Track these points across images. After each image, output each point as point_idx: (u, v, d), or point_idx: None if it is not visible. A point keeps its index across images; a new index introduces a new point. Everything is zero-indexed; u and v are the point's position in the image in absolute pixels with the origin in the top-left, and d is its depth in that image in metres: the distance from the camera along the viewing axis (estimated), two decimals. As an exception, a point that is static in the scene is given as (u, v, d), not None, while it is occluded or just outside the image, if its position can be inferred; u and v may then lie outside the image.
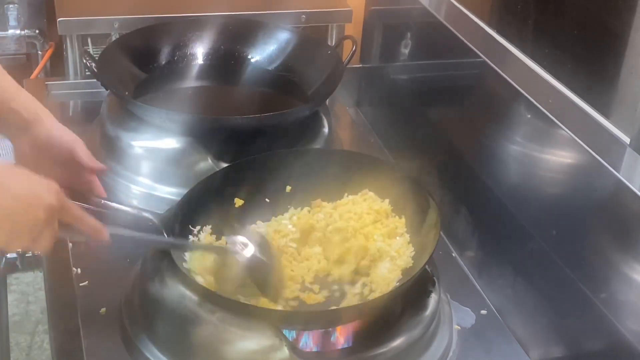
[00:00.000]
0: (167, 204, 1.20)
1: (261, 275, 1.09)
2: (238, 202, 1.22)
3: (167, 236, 1.10)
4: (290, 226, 1.21)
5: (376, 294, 1.09)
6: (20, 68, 2.10)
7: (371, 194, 1.22)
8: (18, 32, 2.09)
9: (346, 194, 1.23)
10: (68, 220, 0.93)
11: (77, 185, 1.11)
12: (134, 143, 1.40)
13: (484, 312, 1.23)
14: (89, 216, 0.96)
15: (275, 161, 1.25)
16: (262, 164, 1.24)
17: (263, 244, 1.12)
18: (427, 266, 1.07)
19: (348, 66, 1.58)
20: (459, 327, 1.17)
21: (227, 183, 1.22)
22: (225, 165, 1.30)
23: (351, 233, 1.17)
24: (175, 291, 1.05)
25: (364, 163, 1.24)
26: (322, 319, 1.07)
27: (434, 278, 1.10)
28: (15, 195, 0.86)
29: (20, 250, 0.95)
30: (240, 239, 1.11)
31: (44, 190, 0.89)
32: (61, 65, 1.85)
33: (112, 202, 1.13)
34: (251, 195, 1.22)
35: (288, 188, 1.24)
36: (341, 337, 1.11)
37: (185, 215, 1.15)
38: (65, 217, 0.92)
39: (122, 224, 1.07)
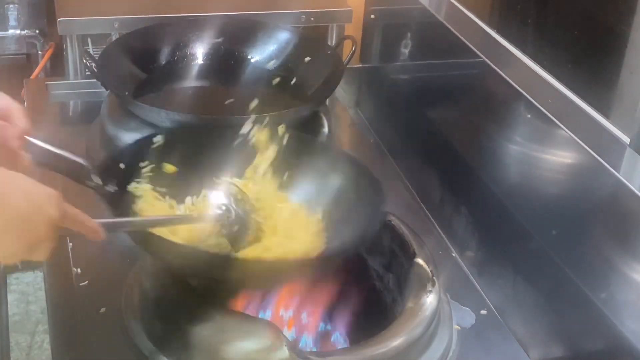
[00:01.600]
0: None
1: (237, 234, 1.11)
2: (170, 168, 1.19)
3: (104, 185, 1.07)
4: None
5: None
6: (20, 68, 2.10)
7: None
8: (18, 32, 2.10)
9: None
10: (68, 227, 0.91)
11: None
12: (134, 143, 1.40)
13: (484, 312, 1.23)
14: (88, 218, 0.94)
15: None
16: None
17: (242, 200, 1.13)
18: None
19: (348, 66, 1.58)
20: (459, 327, 1.17)
21: (167, 147, 1.20)
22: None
23: None
24: (175, 290, 1.05)
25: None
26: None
27: (434, 278, 1.10)
28: (16, 208, 0.84)
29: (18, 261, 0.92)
30: (224, 201, 1.12)
31: (45, 202, 0.86)
32: (61, 65, 1.85)
33: (41, 141, 1.05)
34: (186, 164, 1.20)
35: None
36: (341, 337, 1.12)
37: (121, 167, 1.13)
38: (65, 224, 0.90)
39: (50, 167, 1.02)
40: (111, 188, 1.07)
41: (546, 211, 1.22)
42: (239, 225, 1.11)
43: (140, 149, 1.18)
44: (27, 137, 1.00)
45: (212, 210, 1.13)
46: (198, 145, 1.22)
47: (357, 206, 1.16)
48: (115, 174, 1.10)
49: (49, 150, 1.04)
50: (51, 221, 0.86)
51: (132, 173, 1.14)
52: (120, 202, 1.08)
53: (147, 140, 1.21)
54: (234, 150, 1.22)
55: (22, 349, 2.17)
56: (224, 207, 1.12)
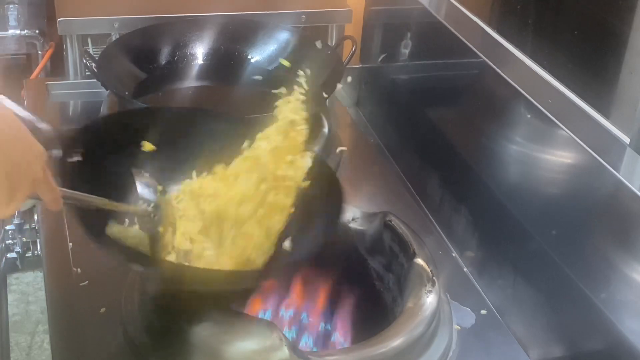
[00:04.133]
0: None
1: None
2: (148, 146, 1.13)
3: (65, 155, 1.01)
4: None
5: None
6: (20, 68, 2.10)
7: None
8: (18, 32, 2.10)
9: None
10: (39, 189, 0.86)
11: None
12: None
13: (484, 312, 1.23)
14: (56, 187, 0.90)
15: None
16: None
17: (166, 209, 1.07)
18: None
19: (348, 66, 1.59)
20: (459, 327, 1.17)
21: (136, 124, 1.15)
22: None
23: None
24: (175, 290, 1.05)
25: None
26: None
27: (434, 278, 1.10)
28: (8, 159, 0.80)
29: None
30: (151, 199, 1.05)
31: (34, 159, 0.83)
32: (61, 65, 1.85)
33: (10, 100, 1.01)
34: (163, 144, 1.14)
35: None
36: (341, 337, 1.12)
37: (89, 140, 1.07)
38: (40, 187, 0.86)
39: None
40: (73, 158, 1.02)
41: (546, 211, 1.22)
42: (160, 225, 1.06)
43: (113, 122, 1.15)
44: None
45: (139, 205, 1.05)
46: (178, 128, 1.16)
47: (318, 210, 1.10)
48: (83, 145, 1.05)
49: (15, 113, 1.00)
50: (33, 180, 0.83)
51: (104, 145, 1.09)
52: (79, 174, 1.02)
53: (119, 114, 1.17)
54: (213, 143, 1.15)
55: (22, 349, 2.17)
56: (152, 206, 1.05)
